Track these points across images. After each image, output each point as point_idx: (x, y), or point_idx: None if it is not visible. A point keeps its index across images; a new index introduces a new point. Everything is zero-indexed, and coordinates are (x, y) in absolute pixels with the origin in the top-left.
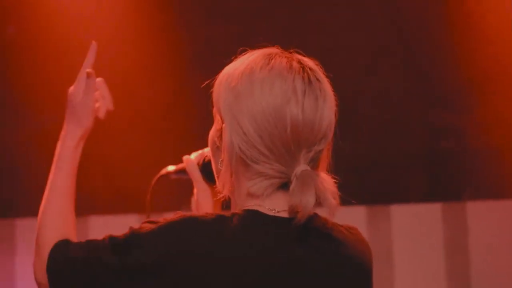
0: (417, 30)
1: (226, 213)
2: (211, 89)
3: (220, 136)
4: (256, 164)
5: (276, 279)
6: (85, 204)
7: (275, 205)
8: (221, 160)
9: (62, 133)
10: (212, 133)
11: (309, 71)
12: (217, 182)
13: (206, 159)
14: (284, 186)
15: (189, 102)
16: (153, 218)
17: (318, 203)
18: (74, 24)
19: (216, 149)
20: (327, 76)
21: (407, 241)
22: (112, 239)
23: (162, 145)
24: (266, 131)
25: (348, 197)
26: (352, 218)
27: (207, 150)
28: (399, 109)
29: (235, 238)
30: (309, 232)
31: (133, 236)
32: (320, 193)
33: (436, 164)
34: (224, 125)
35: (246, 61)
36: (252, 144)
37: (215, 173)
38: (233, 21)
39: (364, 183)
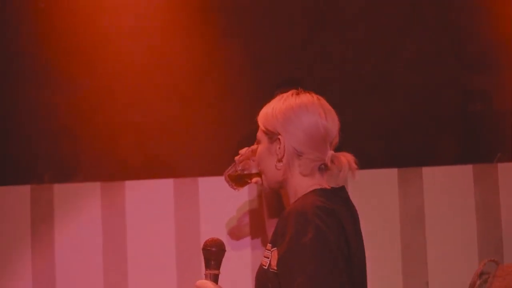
0: None
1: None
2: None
3: (269, 150)
4: (304, 155)
5: (356, 226)
6: (121, 169)
7: (322, 183)
8: (278, 162)
9: None
10: (261, 150)
11: (320, 99)
12: (267, 178)
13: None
14: (319, 168)
15: (222, 71)
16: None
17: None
18: None
19: (267, 158)
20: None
21: (438, 202)
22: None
23: (194, 112)
24: (310, 135)
25: (380, 160)
26: (385, 180)
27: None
28: (431, 72)
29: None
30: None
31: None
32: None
33: (468, 127)
34: (281, 137)
35: (283, 101)
36: (302, 144)
37: (267, 173)
38: None
39: (396, 146)
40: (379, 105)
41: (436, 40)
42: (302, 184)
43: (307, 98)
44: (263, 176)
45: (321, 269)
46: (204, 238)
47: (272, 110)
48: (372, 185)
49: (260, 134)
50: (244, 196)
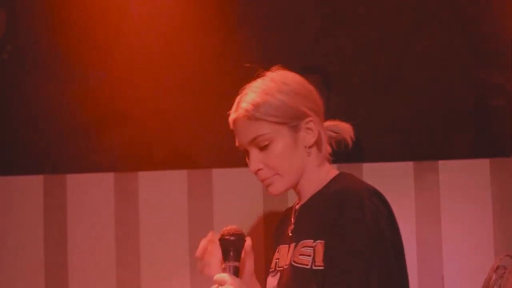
0: None
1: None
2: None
3: (296, 141)
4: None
5: None
6: (134, 160)
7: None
8: (309, 148)
9: None
10: (283, 147)
11: None
12: (290, 175)
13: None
14: None
15: (235, 62)
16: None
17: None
18: None
19: (293, 152)
20: None
21: (454, 196)
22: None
23: (208, 103)
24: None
25: (396, 153)
26: (400, 173)
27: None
28: (447, 66)
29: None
30: None
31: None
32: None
33: (485, 121)
34: (311, 119)
35: (280, 80)
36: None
37: (291, 170)
38: None
39: (412, 139)
40: (395, 99)
41: (451, 34)
42: (323, 167)
43: (288, 73)
44: (280, 178)
45: (377, 258)
46: (217, 230)
47: (278, 94)
48: (388, 178)
49: (271, 131)
50: (258, 188)
